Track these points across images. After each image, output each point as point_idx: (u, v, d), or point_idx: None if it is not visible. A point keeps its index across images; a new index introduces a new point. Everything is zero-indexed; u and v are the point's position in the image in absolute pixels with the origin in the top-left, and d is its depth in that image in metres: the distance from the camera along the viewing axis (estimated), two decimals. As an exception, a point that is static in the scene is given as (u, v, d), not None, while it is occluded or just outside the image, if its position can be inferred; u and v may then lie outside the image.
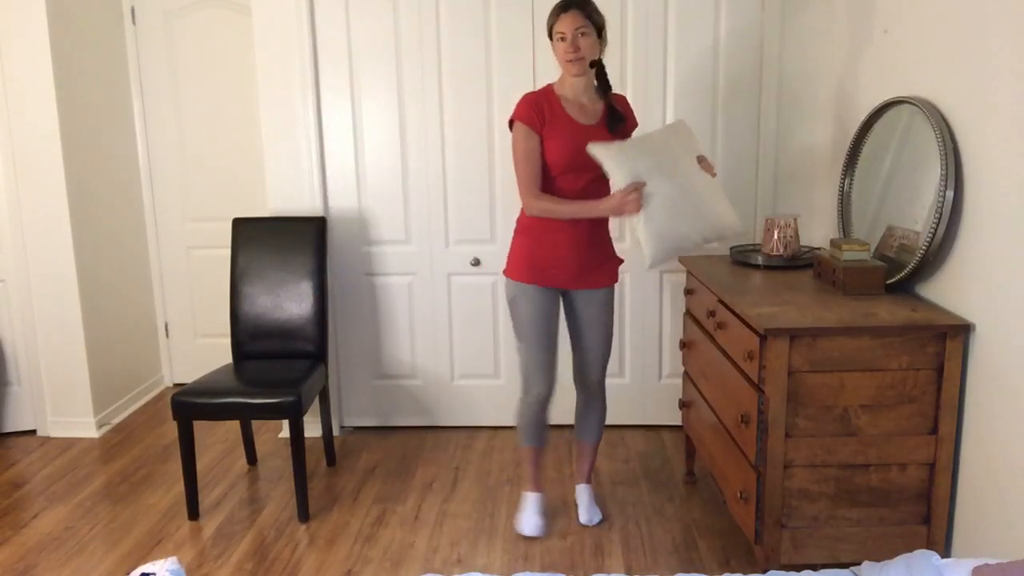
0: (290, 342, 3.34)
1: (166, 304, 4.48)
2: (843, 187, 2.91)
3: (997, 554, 2.07)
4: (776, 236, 2.95)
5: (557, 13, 2.59)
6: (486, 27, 3.50)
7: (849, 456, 2.27)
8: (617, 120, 2.69)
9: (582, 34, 2.57)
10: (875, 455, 2.27)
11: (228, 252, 3.45)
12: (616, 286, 2.89)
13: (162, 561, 1.70)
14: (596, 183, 2.63)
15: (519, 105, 2.68)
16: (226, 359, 3.48)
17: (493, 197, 3.63)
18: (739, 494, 2.43)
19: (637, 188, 2.47)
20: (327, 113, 3.61)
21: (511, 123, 2.69)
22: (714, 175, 2.63)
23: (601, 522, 2.95)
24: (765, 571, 2.28)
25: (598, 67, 2.70)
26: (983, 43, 2.16)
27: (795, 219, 2.99)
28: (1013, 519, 2.04)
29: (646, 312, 3.70)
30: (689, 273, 3.06)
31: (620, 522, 2.97)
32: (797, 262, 2.92)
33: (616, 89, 3.46)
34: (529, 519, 2.90)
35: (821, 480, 2.29)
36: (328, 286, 3.56)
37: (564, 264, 2.72)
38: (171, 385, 4.56)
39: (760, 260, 2.95)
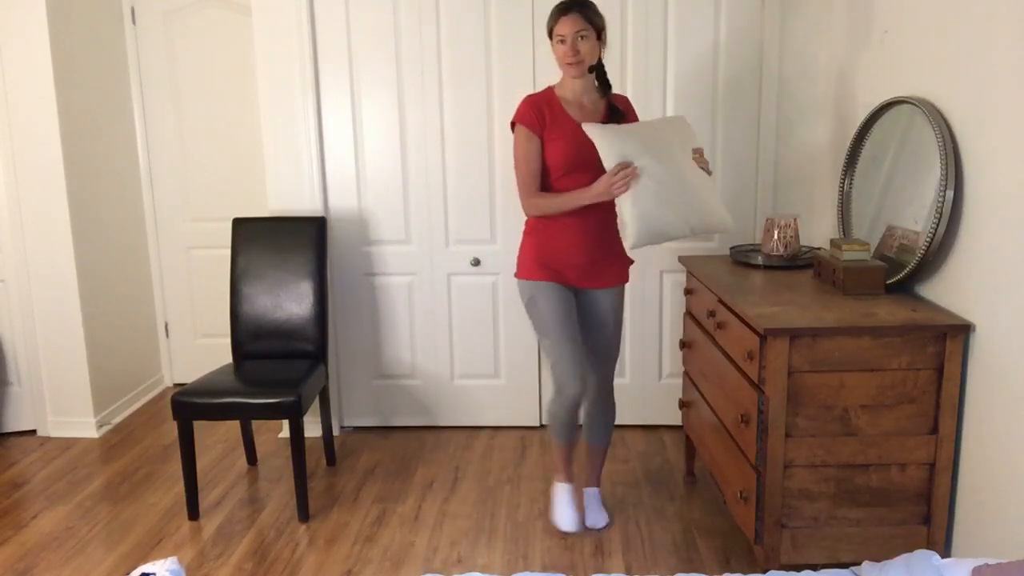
0: (290, 342, 3.34)
1: (166, 304, 4.48)
2: (843, 187, 2.91)
3: (997, 554, 2.07)
4: (776, 236, 2.95)
5: (557, 15, 2.59)
6: (486, 27, 3.51)
7: (849, 456, 2.27)
8: (617, 119, 2.69)
9: (582, 37, 2.56)
10: (875, 455, 2.27)
11: (228, 252, 3.45)
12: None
13: (162, 561, 1.71)
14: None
15: (520, 107, 2.68)
16: (226, 359, 3.48)
17: (493, 197, 3.64)
18: (739, 494, 2.43)
19: (626, 167, 2.44)
20: (327, 113, 3.61)
21: (513, 125, 2.70)
22: (709, 172, 2.62)
23: (607, 526, 2.95)
24: (765, 571, 2.28)
25: (598, 68, 2.70)
26: (983, 43, 2.16)
27: (795, 219, 2.99)
28: (1013, 519, 2.04)
29: (646, 312, 3.70)
30: (689, 273, 3.06)
31: (620, 522, 2.97)
32: (797, 262, 2.92)
33: (616, 89, 3.49)
34: (566, 513, 2.87)
35: (821, 480, 2.29)
36: (328, 286, 3.56)
37: (573, 263, 2.72)
38: (171, 385, 4.56)
39: (760, 260, 2.95)
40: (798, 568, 2.31)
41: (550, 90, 2.72)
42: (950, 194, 2.27)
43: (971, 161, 2.23)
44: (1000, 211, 2.10)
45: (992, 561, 1.57)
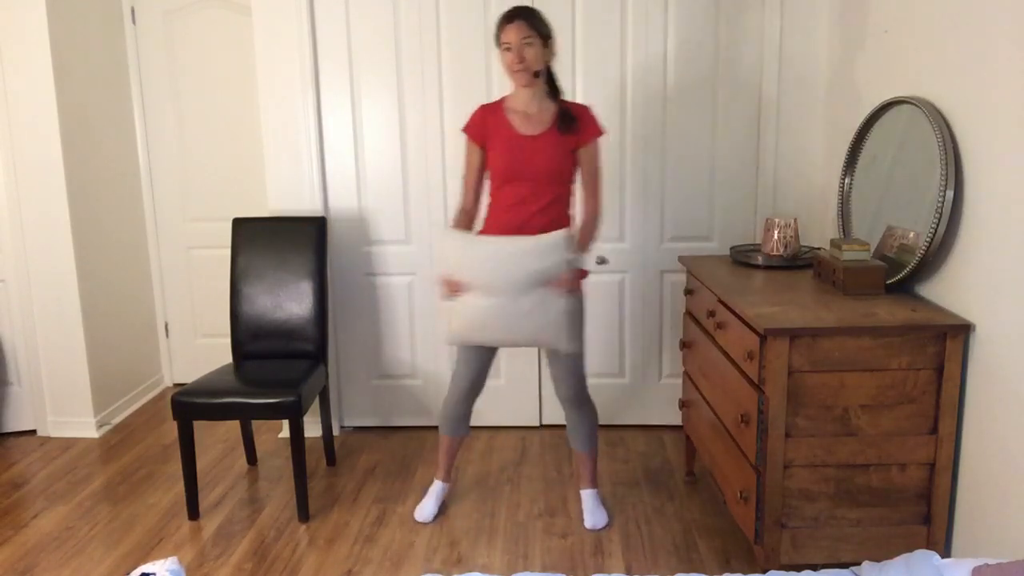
0: (290, 342, 3.34)
1: (166, 304, 4.48)
2: (843, 187, 2.91)
3: (997, 554, 2.07)
4: (776, 236, 2.96)
5: (503, 24, 2.63)
6: (486, 27, 3.50)
7: (849, 456, 2.27)
8: (568, 123, 2.69)
9: (527, 44, 2.61)
10: (875, 455, 2.27)
11: (228, 252, 3.45)
12: (589, 297, 2.87)
13: (162, 561, 1.71)
14: (534, 195, 2.68)
15: (469, 117, 2.76)
16: (226, 359, 3.48)
17: (493, 197, 3.63)
18: (739, 494, 2.43)
19: (453, 285, 2.62)
20: (327, 113, 3.61)
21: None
22: (563, 293, 2.58)
23: (607, 526, 2.94)
24: (765, 571, 2.28)
25: (548, 75, 2.72)
26: (983, 43, 2.17)
27: (795, 219, 2.99)
28: (1013, 519, 2.04)
29: (646, 312, 3.71)
30: (689, 273, 3.06)
31: (620, 522, 2.97)
32: (797, 262, 2.92)
33: (615, 90, 3.51)
34: (425, 505, 3.05)
35: (821, 480, 2.29)
36: (328, 286, 3.56)
37: None
38: (171, 385, 4.56)
39: (760, 260, 2.95)
40: (798, 568, 2.31)
41: (502, 99, 2.77)
42: (950, 194, 2.27)
43: (971, 161, 2.23)
44: (1000, 211, 2.10)
45: (992, 561, 1.57)
